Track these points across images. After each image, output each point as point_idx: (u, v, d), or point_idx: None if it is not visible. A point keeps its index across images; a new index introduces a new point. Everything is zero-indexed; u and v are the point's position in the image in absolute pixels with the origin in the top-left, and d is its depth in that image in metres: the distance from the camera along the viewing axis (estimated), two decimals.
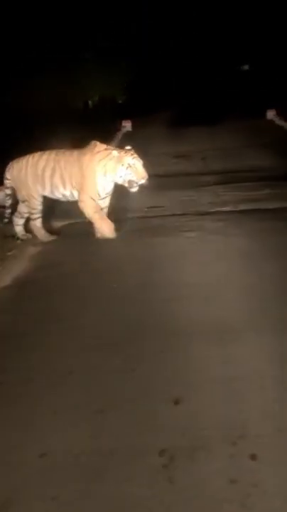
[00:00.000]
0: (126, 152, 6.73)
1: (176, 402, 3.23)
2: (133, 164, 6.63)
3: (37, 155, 7.15)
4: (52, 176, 6.97)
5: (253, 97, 23.08)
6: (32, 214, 7.20)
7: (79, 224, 7.24)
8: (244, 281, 5.10)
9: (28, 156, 7.21)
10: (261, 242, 6.14)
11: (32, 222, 7.24)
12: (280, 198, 8.06)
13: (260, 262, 5.52)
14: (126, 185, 6.72)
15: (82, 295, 5.08)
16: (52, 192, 7.06)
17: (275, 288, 4.83)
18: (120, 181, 6.75)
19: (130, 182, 6.67)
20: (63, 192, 7.01)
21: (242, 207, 7.90)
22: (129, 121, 19.70)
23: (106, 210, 7.02)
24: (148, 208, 8.06)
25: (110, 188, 6.89)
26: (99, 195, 6.87)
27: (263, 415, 3.06)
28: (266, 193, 8.62)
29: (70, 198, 7.05)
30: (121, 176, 6.68)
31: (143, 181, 6.66)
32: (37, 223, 7.20)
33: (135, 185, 6.68)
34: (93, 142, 7.00)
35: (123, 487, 2.63)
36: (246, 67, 26.10)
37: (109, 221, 6.90)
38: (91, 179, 6.80)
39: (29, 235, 7.24)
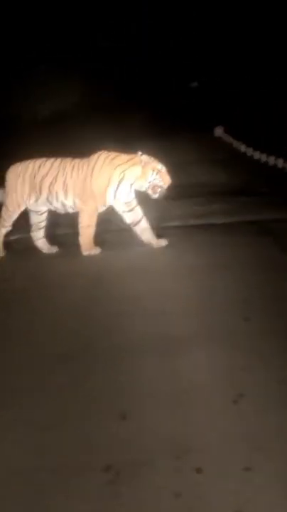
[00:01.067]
0: (150, 157, 6.58)
1: (123, 418, 3.22)
2: (161, 169, 6.52)
3: (39, 161, 6.89)
4: (52, 183, 6.70)
5: (202, 114, 23.38)
6: (4, 221, 6.95)
7: (29, 238, 7.16)
8: (191, 295, 5.13)
9: (29, 161, 6.94)
10: (209, 256, 6.21)
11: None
12: (229, 213, 8.18)
13: (208, 276, 5.57)
14: (150, 191, 6.55)
15: (30, 311, 5.03)
16: (48, 200, 6.74)
17: (222, 302, 4.88)
18: (145, 187, 6.54)
19: (155, 188, 6.53)
20: (63, 201, 6.70)
21: (191, 222, 7.98)
22: None
23: (144, 221, 6.69)
24: None
25: (127, 196, 6.62)
26: (105, 206, 6.65)
27: (208, 428, 3.07)
28: (215, 208, 8.73)
29: (70, 209, 6.77)
30: (150, 182, 6.51)
31: (166, 186, 6.55)
32: (2, 232, 6.98)
33: (159, 190, 6.54)
34: (100, 152, 6.77)
35: (67, 503, 2.60)
36: (195, 84, 26.40)
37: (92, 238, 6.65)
38: (102, 183, 6.56)
39: (55, 248, 6.99)
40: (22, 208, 6.90)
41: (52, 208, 6.85)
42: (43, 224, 6.99)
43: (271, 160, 13.85)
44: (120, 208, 6.69)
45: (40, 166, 6.81)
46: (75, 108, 22.83)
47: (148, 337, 4.26)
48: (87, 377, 3.71)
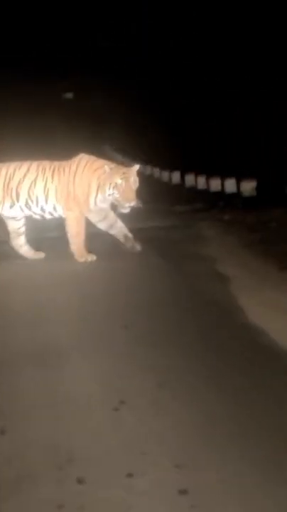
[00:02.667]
0: (117, 169, 6.20)
1: (1, 433, 3.14)
2: (120, 184, 6.08)
3: (13, 165, 6.47)
4: (31, 187, 6.31)
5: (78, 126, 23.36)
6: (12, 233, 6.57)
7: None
8: (71, 304, 5.12)
9: (1, 166, 6.52)
10: (91, 265, 6.22)
11: (14, 243, 6.62)
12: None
13: (89, 286, 5.58)
14: (117, 203, 6.21)
15: None
16: (27, 205, 6.36)
17: (102, 311, 4.90)
18: (110, 200, 6.23)
19: (117, 202, 6.17)
20: (43, 206, 6.35)
21: None
22: None
23: (123, 230, 6.47)
24: None
25: (105, 203, 6.35)
26: (90, 211, 6.31)
27: (90, 437, 3.06)
28: None
29: (47, 215, 6.43)
30: (109, 195, 6.17)
31: (128, 205, 6.15)
32: (20, 242, 6.60)
33: (126, 206, 6.15)
34: (81, 155, 6.44)
35: None
36: (69, 95, 26.30)
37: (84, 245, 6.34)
38: (84, 187, 6.24)
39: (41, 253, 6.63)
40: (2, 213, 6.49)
41: (28, 214, 6.50)
42: (23, 229, 6.61)
43: (148, 169, 14.16)
44: (92, 218, 6.46)
45: (15, 170, 6.41)
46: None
47: (27, 348, 4.19)
48: None
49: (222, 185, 12.89)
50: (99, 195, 6.24)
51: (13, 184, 6.34)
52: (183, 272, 5.85)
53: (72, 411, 3.33)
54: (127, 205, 6.11)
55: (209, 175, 13.84)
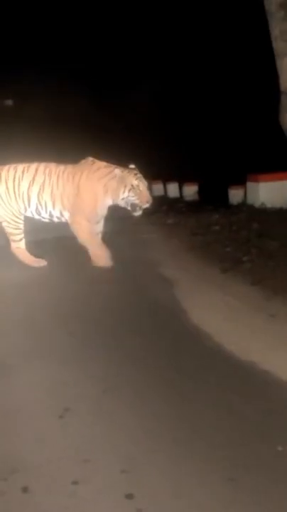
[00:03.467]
0: (129, 171, 5.97)
1: None
2: (137, 186, 5.92)
3: (20, 167, 6.25)
4: (40, 192, 6.14)
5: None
6: (14, 236, 6.32)
7: None
8: (15, 312, 5.05)
9: (7, 168, 6.28)
10: (32, 273, 6.16)
11: (13, 245, 6.37)
12: (55, 228, 8.13)
13: (34, 293, 5.53)
14: (129, 208, 6.00)
15: None
16: (37, 210, 6.22)
17: (48, 318, 4.86)
18: (122, 204, 6.01)
19: (133, 205, 5.96)
20: (51, 211, 6.19)
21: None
22: None
23: (100, 236, 6.28)
24: None
25: (105, 210, 6.17)
26: (96, 218, 6.12)
27: (35, 446, 3.03)
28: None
29: (56, 220, 6.25)
30: (123, 199, 5.95)
31: (147, 205, 5.98)
32: (21, 245, 6.35)
33: (138, 209, 5.98)
34: (89, 158, 6.20)
35: None
36: (9, 102, 25.83)
37: (105, 248, 6.16)
38: (90, 200, 6.03)
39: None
40: (21, 216, 6.31)
41: (38, 218, 6.34)
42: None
43: None
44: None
45: (23, 172, 6.23)
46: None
47: None
48: None
49: (165, 189, 12.99)
50: (108, 201, 6.10)
51: (24, 187, 6.21)
52: (128, 276, 5.85)
53: (17, 421, 3.30)
54: (145, 206, 5.97)
55: (152, 179, 13.89)
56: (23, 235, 6.30)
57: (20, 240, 6.31)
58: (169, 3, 14.24)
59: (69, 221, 6.19)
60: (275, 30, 6.54)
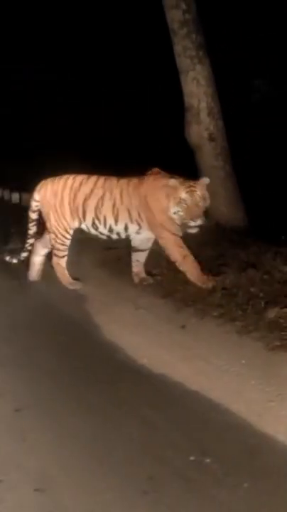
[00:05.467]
0: (183, 182, 5.28)
1: None
2: (184, 199, 5.22)
3: (79, 178, 5.76)
4: (98, 206, 5.64)
5: None
6: (57, 251, 5.84)
7: None
8: None
9: (66, 178, 5.80)
10: None
11: (55, 260, 5.89)
12: None
13: None
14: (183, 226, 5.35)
15: None
16: (93, 225, 5.71)
17: None
18: (177, 220, 5.31)
19: (183, 222, 5.29)
20: (113, 227, 5.63)
21: None
22: None
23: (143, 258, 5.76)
24: None
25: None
26: (179, 228, 5.39)
27: None
28: None
29: (115, 236, 5.72)
30: (174, 213, 5.29)
31: (195, 223, 5.24)
32: (62, 263, 5.87)
33: (191, 225, 5.25)
34: (155, 169, 5.62)
35: None
36: None
37: (199, 266, 5.35)
38: (162, 210, 5.37)
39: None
40: (71, 232, 5.84)
41: (94, 234, 5.83)
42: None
43: None
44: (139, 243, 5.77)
45: (81, 184, 5.74)
46: None
47: None
48: None
49: None
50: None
51: (80, 200, 5.72)
52: (40, 293, 5.81)
53: None
54: (192, 223, 5.26)
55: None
56: (66, 253, 5.87)
57: (63, 256, 5.87)
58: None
59: (157, 239, 5.60)
60: (178, 47, 6.71)
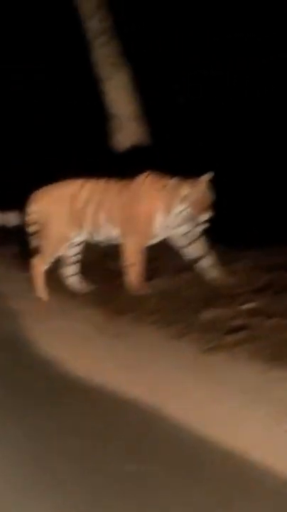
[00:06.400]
0: (183, 180, 5.14)
1: None
2: (189, 195, 5.07)
3: (76, 184, 5.50)
4: (97, 212, 5.38)
5: None
6: (44, 256, 5.62)
7: None
8: None
9: (62, 185, 5.57)
10: None
11: (36, 261, 5.66)
12: None
13: None
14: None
15: None
16: (95, 232, 5.45)
17: None
18: (179, 222, 5.18)
19: (190, 220, 5.14)
20: (111, 233, 5.40)
21: None
22: None
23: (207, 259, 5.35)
24: None
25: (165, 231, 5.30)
26: (153, 238, 5.32)
27: None
28: None
29: (114, 242, 5.47)
30: (179, 212, 5.12)
31: (204, 218, 5.09)
32: (42, 268, 5.63)
33: (198, 221, 5.12)
34: (147, 173, 5.35)
35: None
36: None
37: (142, 276, 5.29)
38: (148, 218, 5.22)
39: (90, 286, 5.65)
40: (69, 241, 5.56)
41: (95, 241, 5.58)
42: (77, 258, 5.68)
43: None
44: (177, 242, 5.40)
45: (80, 189, 5.48)
46: None
47: None
48: None
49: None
50: (165, 219, 5.25)
51: (78, 206, 5.46)
52: None
53: None
54: (202, 218, 5.12)
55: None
56: (51, 261, 5.64)
57: (48, 264, 5.64)
58: None
59: (121, 239, 5.43)
60: (97, 55, 6.73)
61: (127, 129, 6.84)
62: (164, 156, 6.90)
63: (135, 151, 6.92)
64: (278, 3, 8.08)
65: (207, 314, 4.59)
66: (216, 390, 3.65)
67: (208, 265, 5.32)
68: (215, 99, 9.11)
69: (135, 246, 5.29)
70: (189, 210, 5.09)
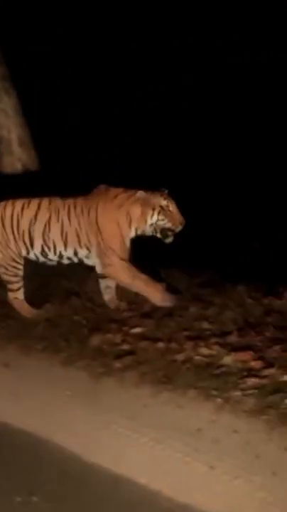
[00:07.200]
0: (154, 192, 5.04)
1: None
2: (167, 206, 5.00)
3: (18, 203, 5.17)
4: (46, 231, 5.09)
5: None
6: (11, 284, 5.28)
7: None
8: None
9: (3, 205, 5.19)
10: None
11: (11, 295, 5.31)
12: None
13: None
14: (159, 235, 5.04)
15: None
16: (43, 252, 5.16)
17: None
18: (150, 232, 5.04)
19: (163, 231, 5.02)
20: (63, 253, 5.13)
21: None
22: None
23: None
24: None
25: (129, 244, 5.11)
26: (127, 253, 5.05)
27: None
28: None
29: (66, 261, 5.20)
30: (151, 224, 5.01)
31: (180, 228, 5.02)
32: (19, 295, 5.31)
33: (170, 234, 5.04)
34: (102, 186, 5.14)
35: None
36: None
37: (158, 283, 5.00)
38: (115, 234, 5.02)
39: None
40: (21, 261, 5.24)
41: (43, 261, 5.29)
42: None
43: None
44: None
45: (22, 208, 5.18)
46: None
47: None
48: None
49: None
50: (131, 233, 5.12)
51: (24, 226, 5.20)
52: None
53: None
54: (178, 229, 5.07)
55: None
56: (21, 284, 5.35)
57: (19, 288, 5.35)
58: None
59: (101, 267, 5.18)
60: None
61: (14, 153, 6.82)
62: (52, 180, 6.95)
63: (22, 174, 6.89)
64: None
65: (96, 339, 4.61)
66: (103, 417, 3.70)
67: (105, 286, 5.31)
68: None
69: (120, 265, 5.07)
70: (164, 221, 5.06)
